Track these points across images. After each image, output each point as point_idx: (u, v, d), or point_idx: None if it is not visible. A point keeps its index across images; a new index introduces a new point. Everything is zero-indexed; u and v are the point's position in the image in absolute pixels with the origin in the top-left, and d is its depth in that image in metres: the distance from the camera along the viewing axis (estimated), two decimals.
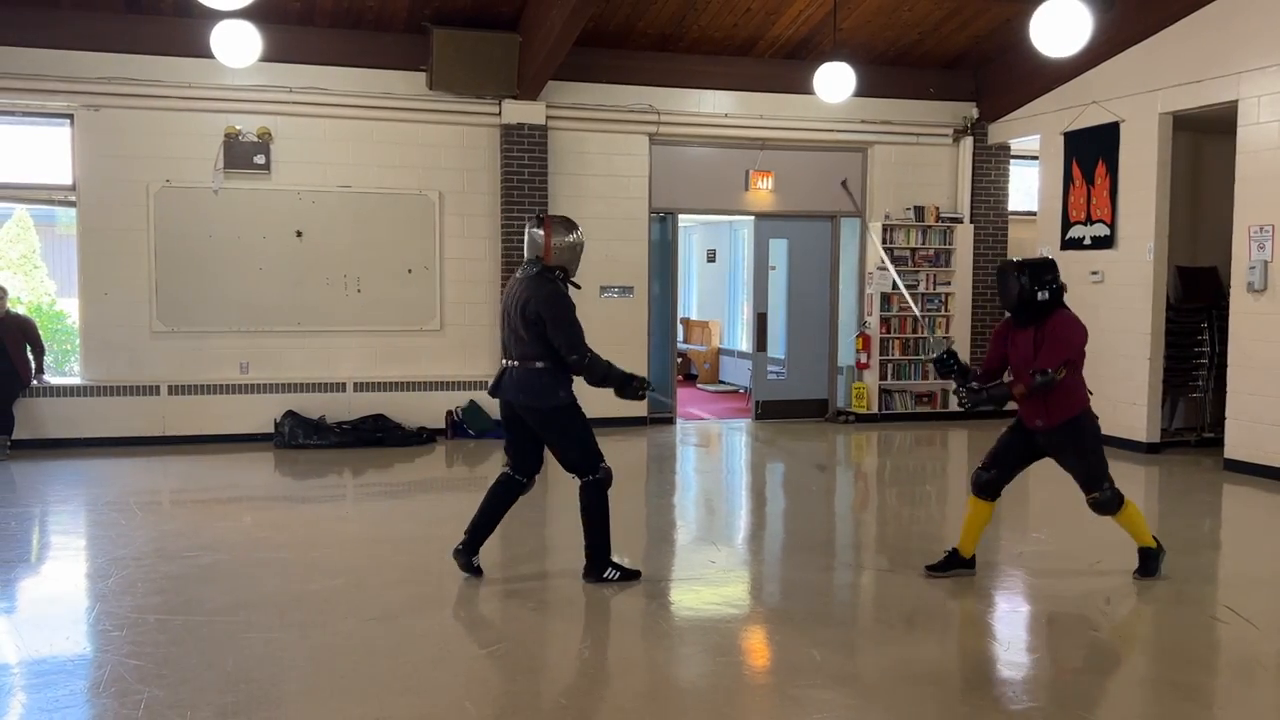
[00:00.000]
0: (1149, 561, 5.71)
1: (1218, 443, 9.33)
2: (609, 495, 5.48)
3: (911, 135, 11.84)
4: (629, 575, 5.58)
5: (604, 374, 5.37)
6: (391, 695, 4.18)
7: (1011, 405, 5.64)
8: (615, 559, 5.60)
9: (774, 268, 12.11)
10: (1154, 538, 5.75)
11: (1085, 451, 5.55)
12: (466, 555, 5.57)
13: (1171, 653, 4.86)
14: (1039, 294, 5.42)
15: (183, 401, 9.95)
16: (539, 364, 5.32)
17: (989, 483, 5.71)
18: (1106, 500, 5.58)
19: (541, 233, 5.36)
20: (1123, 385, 9.87)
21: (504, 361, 5.51)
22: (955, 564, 5.80)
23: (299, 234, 10.23)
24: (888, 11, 10.33)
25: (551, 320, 5.24)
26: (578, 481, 5.49)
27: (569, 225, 5.45)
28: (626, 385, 5.43)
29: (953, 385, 5.83)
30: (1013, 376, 5.62)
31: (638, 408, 11.14)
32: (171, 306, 9.96)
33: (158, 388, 9.90)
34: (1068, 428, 5.49)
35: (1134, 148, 9.97)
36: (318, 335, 10.34)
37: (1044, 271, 5.47)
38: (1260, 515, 7.90)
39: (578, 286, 5.52)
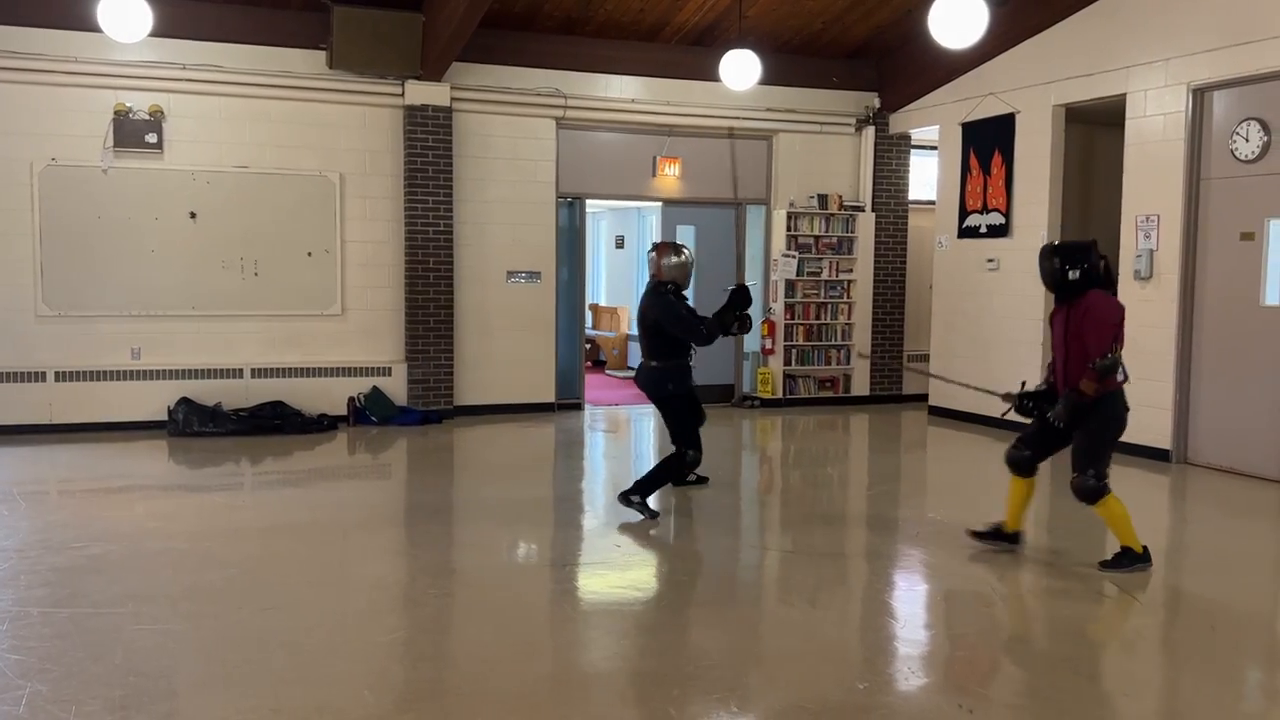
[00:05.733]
0: (1121, 559, 5.63)
1: None
2: (682, 472, 6.99)
3: (815, 124, 11.98)
4: (651, 514, 6.65)
5: (718, 332, 6.71)
6: (287, 686, 4.09)
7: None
8: (652, 503, 6.74)
9: None
10: (1142, 546, 5.65)
11: (1094, 431, 5.60)
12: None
13: (1060, 628, 5.02)
14: (1070, 273, 5.57)
15: (71, 388, 9.60)
16: (654, 363, 6.80)
17: (1022, 460, 5.87)
18: (1087, 488, 5.57)
19: (654, 255, 6.85)
20: (1017, 370, 10.12)
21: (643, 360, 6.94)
22: (1000, 537, 5.98)
23: (193, 215, 9.92)
24: (792, 0, 10.42)
25: (669, 324, 6.67)
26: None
27: (676, 249, 6.90)
28: (730, 327, 6.76)
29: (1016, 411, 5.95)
30: (1054, 359, 5.75)
31: (544, 393, 11.17)
32: (58, 290, 9.58)
33: (44, 374, 9.53)
34: (1097, 402, 5.56)
35: (1029, 139, 10.24)
36: (213, 320, 10.05)
37: (1075, 252, 5.61)
38: (1145, 495, 8.21)
39: (684, 297, 6.87)
